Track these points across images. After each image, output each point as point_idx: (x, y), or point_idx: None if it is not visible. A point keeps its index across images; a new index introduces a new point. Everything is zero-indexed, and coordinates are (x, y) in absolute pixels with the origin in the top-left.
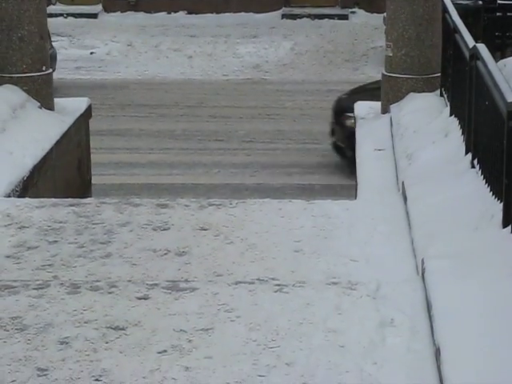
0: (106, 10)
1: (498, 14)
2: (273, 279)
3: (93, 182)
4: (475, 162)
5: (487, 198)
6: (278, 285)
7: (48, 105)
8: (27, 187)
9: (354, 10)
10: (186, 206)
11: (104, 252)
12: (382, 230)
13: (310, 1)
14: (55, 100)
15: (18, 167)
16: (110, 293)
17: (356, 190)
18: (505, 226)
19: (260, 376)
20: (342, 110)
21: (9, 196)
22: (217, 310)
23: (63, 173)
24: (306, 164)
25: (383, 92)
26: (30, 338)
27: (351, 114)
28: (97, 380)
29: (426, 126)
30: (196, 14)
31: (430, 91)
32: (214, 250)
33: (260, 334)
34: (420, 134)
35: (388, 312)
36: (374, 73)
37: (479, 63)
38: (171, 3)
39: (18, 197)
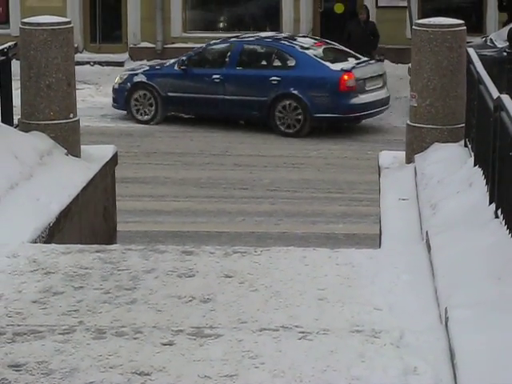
0: (133, 58)
1: None
2: (297, 327)
3: (118, 229)
4: (499, 212)
5: (511, 248)
6: (302, 332)
7: (75, 152)
8: (53, 233)
9: (379, 60)
10: (211, 253)
11: (129, 298)
12: (405, 278)
13: None
14: (82, 147)
15: (45, 213)
16: (135, 338)
17: (380, 239)
18: None
19: None
20: None
21: (35, 242)
22: (241, 356)
23: (89, 219)
24: (330, 213)
25: (407, 142)
26: (56, 383)
27: None
28: None
29: (450, 176)
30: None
31: (454, 141)
32: (238, 297)
33: (284, 381)
34: (444, 183)
35: (411, 360)
36: (398, 123)
37: (503, 114)
38: None
39: (44, 243)
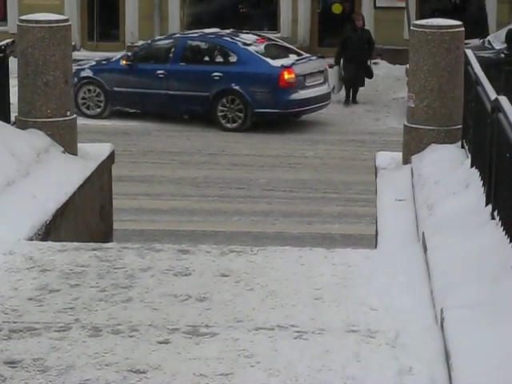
0: None
1: None
2: (293, 326)
3: (114, 227)
4: (495, 213)
5: (507, 249)
6: (298, 331)
7: (71, 150)
8: (50, 231)
9: (376, 61)
10: (207, 252)
11: (125, 296)
12: (401, 279)
13: (333, 51)
14: (79, 145)
15: (41, 211)
16: (131, 336)
17: (376, 239)
18: None
19: None
20: None
21: (31, 239)
22: (237, 355)
23: (85, 217)
24: (327, 213)
25: (404, 143)
26: (52, 380)
27: None
28: None
29: (447, 177)
30: None
31: (451, 143)
32: (234, 297)
33: (279, 380)
34: (441, 185)
35: (407, 360)
36: (395, 124)
37: (501, 116)
38: None
39: (41, 240)
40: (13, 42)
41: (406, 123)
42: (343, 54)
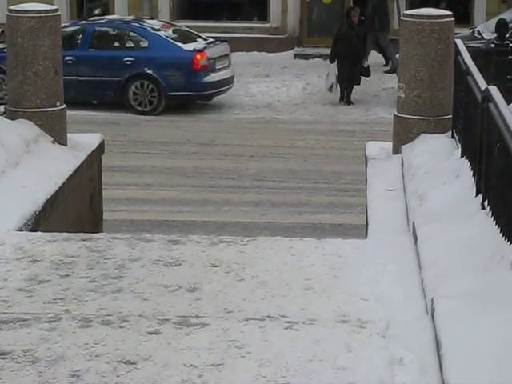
0: None
1: (510, 56)
2: (283, 316)
3: (104, 217)
4: (485, 203)
5: (497, 239)
6: (289, 322)
7: (61, 140)
8: (39, 221)
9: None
10: (198, 242)
11: (115, 287)
12: (392, 269)
13: (322, 41)
14: (68, 135)
15: (31, 201)
16: (121, 327)
17: (366, 229)
18: None
19: None
20: None
21: (21, 230)
22: (227, 345)
23: (75, 208)
24: (317, 203)
25: (394, 133)
26: (42, 371)
27: None
28: None
29: (437, 167)
30: None
31: (442, 133)
32: (224, 287)
33: (270, 371)
34: (431, 174)
35: (397, 350)
36: (385, 114)
37: (491, 105)
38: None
39: (30, 231)
40: (2, 32)
41: (396, 113)
42: (335, 52)
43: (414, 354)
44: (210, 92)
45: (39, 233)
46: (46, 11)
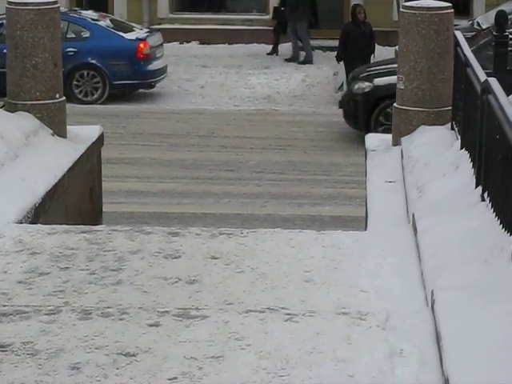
0: None
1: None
2: (283, 308)
3: (103, 209)
4: (485, 195)
5: (497, 231)
6: (288, 314)
7: (60, 132)
8: (39, 214)
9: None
10: (197, 234)
11: (115, 279)
12: (391, 261)
13: (321, 33)
14: (68, 128)
15: (30, 194)
16: (121, 319)
17: (366, 221)
18: None
19: None
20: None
21: (21, 222)
22: (227, 338)
23: (75, 200)
24: (317, 195)
25: (394, 124)
26: (42, 363)
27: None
28: None
29: (437, 158)
30: (208, 44)
31: (441, 124)
32: (224, 279)
33: (270, 363)
34: (431, 166)
35: (397, 342)
36: None
37: (490, 97)
38: (184, 33)
39: (30, 223)
40: (1, 24)
41: (396, 105)
42: (343, 51)
43: (414, 345)
44: (153, 80)
45: (39, 225)
46: (45, 3)
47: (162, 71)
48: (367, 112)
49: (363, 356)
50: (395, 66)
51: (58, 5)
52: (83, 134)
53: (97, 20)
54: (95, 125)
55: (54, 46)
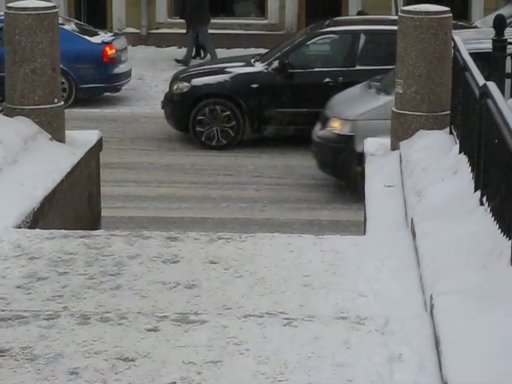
0: None
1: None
2: (282, 313)
3: (102, 214)
4: (484, 199)
5: (496, 236)
6: (287, 318)
7: (59, 137)
8: (38, 218)
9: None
10: (196, 239)
11: (114, 284)
12: (390, 265)
13: None
14: (66, 132)
15: (29, 198)
16: (119, 324)
17: (365, 225)
18: None
19: None
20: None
21: (19, 227)
22: (226, 342)
23: (73, 205)
24: (315, 199)
25: (393, 129)
26: (40, 368)
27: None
28: None
29: (436, 163)
30: None
31: (440, 129)
32: (223, 284)
33: (269, 367)
34: (429, 171)
35: (396, 347)
36: None
37: (489, 101)
38: (181, 37)
39: (29, 228)
40: (0, 29)
41: (394, 109)
42: None
43: (413, 350)
44: (119, 83)
45: (37, 230)
46: (44, 8)
47: (127, 74)
48: (186, 112)
49: (362, 360)
50: (214, 66)
51: (56, 10)
52: (82, 138)
53: (62, 24)
54: (94, 129)
55: (52, 51)
